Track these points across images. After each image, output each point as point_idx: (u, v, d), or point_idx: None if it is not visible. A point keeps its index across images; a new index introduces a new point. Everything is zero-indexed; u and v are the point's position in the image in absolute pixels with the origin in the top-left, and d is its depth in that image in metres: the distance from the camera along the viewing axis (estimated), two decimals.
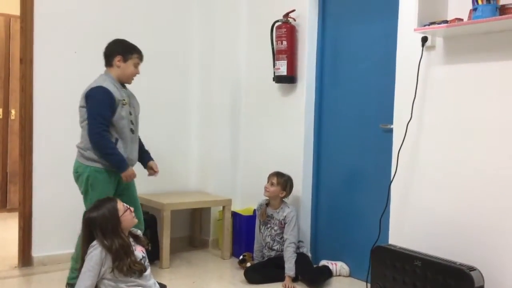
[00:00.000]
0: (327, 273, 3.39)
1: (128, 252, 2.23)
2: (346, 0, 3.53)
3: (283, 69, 3.68)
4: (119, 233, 2.25)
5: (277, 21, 3.73)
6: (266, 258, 3.48)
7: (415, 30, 2.70)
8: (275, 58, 3.76)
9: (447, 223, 2.74)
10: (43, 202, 3.52)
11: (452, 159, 2.73)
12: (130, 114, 2.96)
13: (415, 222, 2.90)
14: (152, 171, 3.22)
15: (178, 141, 4.19)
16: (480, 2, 2.42)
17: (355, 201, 3.44)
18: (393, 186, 2.98)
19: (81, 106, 2.87)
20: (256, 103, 4.13)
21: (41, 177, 3.51)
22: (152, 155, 3.29)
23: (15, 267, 3.49)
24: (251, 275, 3.31)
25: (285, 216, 3.38)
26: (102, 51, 2.99)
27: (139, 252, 2.33)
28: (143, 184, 3.40)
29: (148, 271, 2.33)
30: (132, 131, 2.96)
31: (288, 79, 3.71)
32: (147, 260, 2.37)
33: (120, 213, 2.30)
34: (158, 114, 4.03)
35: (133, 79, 3.02)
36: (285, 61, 3.66)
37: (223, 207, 3.87)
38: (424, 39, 2.81)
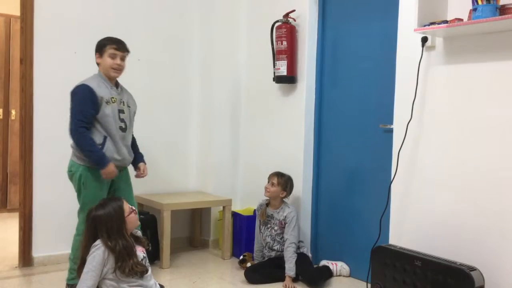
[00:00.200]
0: (328, 273, 3.39)
1: (131, 253, 2.23)
2: (346, 0, 3.53)
3: (283, 69, 3.68)
4: (123, 234, 2.25)
5: (277, 21, 3.73)
6: (266, 258, 3.48)
7: (415, 30, 2.70)
8: (275, 58, 3.76)
9: (447, 223, 2.74)
10: (43, 203, 3.52)
11: (452, 159, 2.73)
12: (122, 112, 2.95)
13: (415, 222, 2.91)
14: (139, 172, 3.16)
15: (178, 141, 4.19)
16: (480, 2, 2.42)
17: (355, 201, 3.44)
18: (393, 186, 2.98)
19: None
20: (256, 103, 4.13)
21: (41, 178, 3.51)
22: (152, 155, 3.30)
23: (16, 267, 3.49)
24: (251, 275, 3.32)
25: (286, 216, 3.38)
26: None
27: (140, 252, 2.33)
28: (143, 184, 3.40)
29: (149, 272, 2.33)
30: (122, 129, 2.94)
31: (288, 79, 3.72)
32: (147, 261, 2.37)
33: (126, 214, 2.30)
34: (158, 114, 4.03)
35: (115, 70, 2.92)
36: (285, 61, 3.66)
37: (223, 207, 3.87)
38: (424, 39, 2.81)
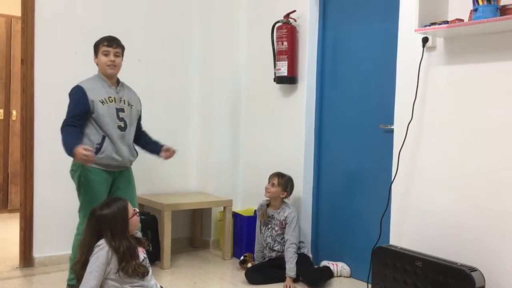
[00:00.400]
0: (328, 274, 3.39)
1: (133, 254, 2.23)
2: (346, 0, 3.53)
3: (283, 70, 3.68)
4: (126, 235, 2.25)
5: (278, 21, 3.73)
6: (267, 259, 3.48)
7: (415, 30, 2.70)
8: (275, 59, 3.76)
9: (448, 224, 2.74)
10: (44, 203, 3.52)
11: (453, 159, 2.73)
12: (122, 111, 2.95)
13: (416, 223, 2.90)
14: (166, 153, 3.15)
15: (178, 141, 4.17)
16: (480, 3, 2.42)
17: (356, 202, 3.44)
18: (393, 186, 2.98)
19: None
20: (256, 103, 4.13)
21: (42, 178, 3.52)
22: (152, 155, 3.29)
23: (16, 267, 3.49)
24: (252, 275, 3.32)
25: (286, 217, 3.38)
26: None
27: (141, 253, 2.34)
28: (144, 184, 3.41)
29: (150, 272, 2.33)
30: (120, 128, 2.94)
31: (289, 80, 3.72)
32: (148, 261, 2.37)
33: (129, 215, 2.30)
34: (159, 114, 4.03)
35: (110, 67, 2.91)
36: (286, 62, 3.66)
37: (224, 208, 3.87)
38: (425, 40, 2.81)
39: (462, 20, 2.56)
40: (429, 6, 2.69)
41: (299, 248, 3.40)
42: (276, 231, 3.42)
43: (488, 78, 2.59)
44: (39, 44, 3.49)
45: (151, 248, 2.51)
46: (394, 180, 2.96)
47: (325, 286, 3.28)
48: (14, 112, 5.24)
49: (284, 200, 3.47)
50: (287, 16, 3.70)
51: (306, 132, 3.69)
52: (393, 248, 2.74)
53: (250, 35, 4.21)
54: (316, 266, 3.49)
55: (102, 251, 2.18)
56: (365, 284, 3.08)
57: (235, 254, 3.89)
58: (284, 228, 3.38)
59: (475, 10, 2.44)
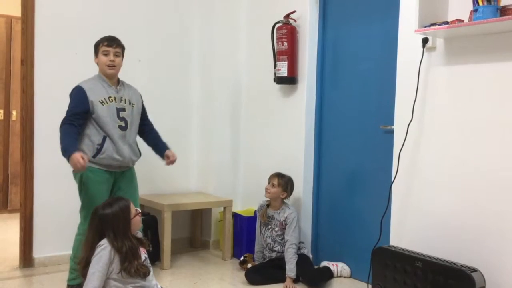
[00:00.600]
0: (328, 274, 3.38)
1: (136, 255, 2.23)
2: (346, 1, 3.53)
3: (283, 70, 3.68)
4: (128, 235, 2.24)
5: (278, 22, 3.73)
6: (267, 259, 3.48)
7: (415, 31, 2.70)
8: (275, 59, 3.76)
9: (448, 224, 2.74)
10: (44, 203, 3.52)
11: (453, 160, 2.73)
12: (123, 110, 2.94)
13: (416, 223, 2.90)
14: (167, 160, 3.19)
15: (179, 141, 4.18)
16: (480, 3, 2.42)
17: (356, 202, 3.43)
18: (394, 187, 2.98)
19: None
20: (257, 104, 4.13)
21: (42, 178, 3.51)
22: (152, 155, 3.29)
23: (16, 268, 3.49)
24: (252, 276, 3.31)
25: (286, 217, 3.38)
26: None
27: (142, 253, 2.34)
28: (144, 185, 3.40)
29: (151, 272, 2.33)
30: (121, 128, 2.94)
31: (289, 80, 3.72)
32: (149, 261, 2.37)
33: (132, 215, 2.29)
34: (159, 114, 4.01)
35: (110, 67, 2.91)
36: (286, 62, 3.66)
37: (224, 208, 3.87)
38: (425, 40, 2.81)
39: (462, 21, 2.56)
40: (429, 6, 2.69)
41: (299, 248, 3.39)
42: (276, 231, 3.42)
43: (488, 78, 2.59)
44: (39, 44, 3.49)
45: (151, 249, 2.51)
46: (394, 181, 2.96)
47: (325, 286, 3.28)
48: (14, 113, 5.24)
49: (284, 200, 3.47)
50: (287, 16, 3.70)
51: (306, 133, 3.69)
52: (393, 249, 2.74)
53: (250, 36, 4.21)
54: (316, 267, 3.49)
55: (104, 251, 2.18)
56: (365, 284, 3.08)
57: (235, 254, 3.89)
58: (284, 228, 3.38)
59: (475, 10, 2.44)
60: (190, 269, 3.59)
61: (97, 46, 2.96)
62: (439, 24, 2.61)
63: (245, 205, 4.17)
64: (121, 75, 3.06)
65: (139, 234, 2.47)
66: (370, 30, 3.34)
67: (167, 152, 3.20)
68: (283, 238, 3.38)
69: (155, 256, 3.59)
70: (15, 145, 5.08)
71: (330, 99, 3.65)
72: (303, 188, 3.67)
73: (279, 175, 3.46)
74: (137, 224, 2.35)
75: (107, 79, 2.94)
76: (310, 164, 3.71)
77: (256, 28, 4.12)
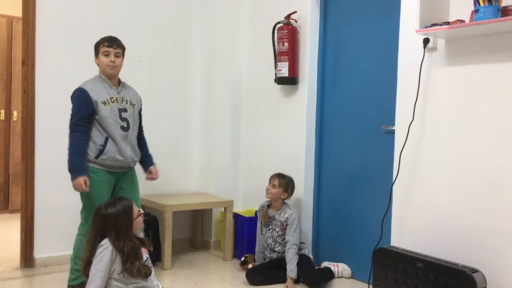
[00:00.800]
0: (329, 275, 3.38)
1: (137, 255, 2.22)
2: (347, 1, 3.53)
3: (284, 71, 3.68)
4: (130, 236, 2.24)
5: (279, 22, 3.73)
6: (267, 260, 3.48)
7: (416, 31, 2.70)
8: (276, 60, 3.76)
9: (449, 225, 2.74)
10: (45, 204, 3.52)
11: (454, 160, 2.73)
12: (125, 111, 2.94)
13: (417, 224, 2.90)
14: (150, 175, 3.20)
15: (179, 142, 4.19)
16: (482, 4, 2.42)
17: (357, 203, 3.43)
18: (395, 187, 2.98)
19: None
20: (257, 104, 4.13)
21: (43, 179, 3.52)
22: (154, 156, 3.29)
23: (17, 268, 3.49)
24: (252, 276, 3.31)
25: (287, 218, 3.38)
26: None
27: (143, 253, 2.33)
28: (145, 185, 3.40)
29: (153, 273, 2.33)
30: (123, 128, 2.94)
31: (290, 81, 3.72)
32: (150, 261, 2.37)
33: (134, 216, 2.29)
34: (160, 115, 4.03)
35: (111, 68, 2.90)
36: (287, 63, 3.66)
37: (225, 209, 3.87)
38: (426, 41, 2.81)
39: (463, 21, 2.56)
40: (430, 7, 2.69)
41: (300, 249, 3.39)
42: (277, 232, 3.42)
43: (489, 79, 2.59)
44: (40, 45, 3.49)
45: (152, 249, 2.51)
46: (396, 181, 2.96)
47: (326, 287, 3.28)
48: (15, 113, 5.24)
49: (285, 201, 3.47)
50: (288, 17, 3.70)
51: (307, 133, 3.69)
52: (394, 249, 2.74)
53: (251, 36, 4.21)
54: (317, 267, 3.49)
55: (106, 250, 2.17)
56: (366, 285, 3.08)
57: (236, 255, 3.89)
58: (285, 229, 3.38)
59: (476, 11, 2.44)
60: (190, 270, 3.59)
61: (97, 46, 2.96)
62: (440, 25, 2.61)
63: (246, 206, 4.17)
64: (122, 76, 3.06)
65: (141, 234, 2.47)
66: (371, 30, 3.34)
67: (151, 168, 3.20)
68: (284, 239, 3.38)
69: (156, 257, 3.59)
70: (16, 145, 5.09)
71: (331, 99, 3.65)
72: (304, 189, 3.67)
73: (280, 176, 3.45)
74: (139, 224, 2.35)
75: (108, 80, 2.94)
76: (311, 165, 3.71)
77: (257, 29, 4.12)
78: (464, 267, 2.43)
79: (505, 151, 2.52)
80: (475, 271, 2.40)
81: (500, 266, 2.52)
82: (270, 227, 3.45)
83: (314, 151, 3.71)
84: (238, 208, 4.12)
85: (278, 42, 3.71)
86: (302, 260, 3.31)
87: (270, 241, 3.44)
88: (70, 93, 2.92)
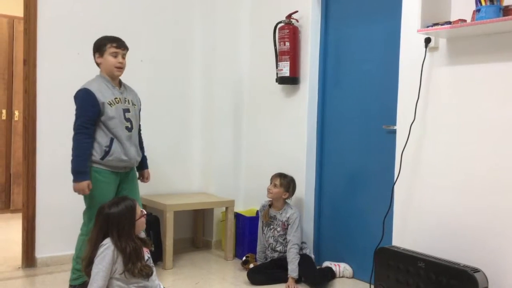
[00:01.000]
0: (330, 275, 3.38)
1: (139, 256, 2.22)
2: (349, 1, 3.53)
3: (285, 70, 3.68)
4: (132, 236, 2.24)
5: (280, 22, 3.73)
6: (269, 260, 3.48)
7: (418, 31, 2.69)
8: (277, 59, 3.76)
9: (451, 225, 2.74)
10: (46, 203, 3.52)
11: (456, 160, 2.72)
12: (128, 111, 2.94)
13: (418, 224, 2.90)
14: (142, 179, 3.22)
15: (180, 142, 4.19)
16: (483, 3, 2.41)
17: (358, 202, 3.43)
18: (396, 187, 2.98)
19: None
20: (258, 104, 4.13)
21: (44, 178, 3.52)
22: (155, 156, 3.30)
23: (19, 268, 3.50)
24: (254, 276, 3.31)
25: (288, 218, 3.37)
26: None
27: (145, 253, 2.34)
28: (146, 185, 3.40)
29: (154, 272, 2.33)
30: (128, 129, 2.93)
31: (291, 80, 3.72)
32: (151, 261, 2.37)
33: (137, 217, 2.29)
34: (161, 115, 4.04)
35: (118, 69, 2.91)
36: (288, 62, 3.66)
37: (226, 208, 3.87)
38: (427, 40, 2.80)
39: (465, 21, 2.56)
40: (431, 6, 2.69)
41: (301, 248, 3.39)
42: (278, 231, 3.42)
43: (491, 78, 2.58)
44: (42, 44, 3.50)
45: (153, 249, 2.51)
46: (397, 181, 2.96)
47: (327, 287, 3.28)
48: (16, 113, 5.25)
49: (286, 200, 3.47)
50: (289, 16, 3.70)
51: (308, 133, 3.69)
52: (395, 249, 2.74)
53: (252, 36, 4.21)
54: (318, 267, 3.49)
55: (107, 250, 2.17)
56: (368, 285, 3.08)
57: (237, 254, 3.89)
58: (286, 228, 3.38)
59: (478, 10, 2.44)
60: (192, 269, 3.59)
61: (103, 45, 2.91)
62: (442, 24, 2.60)
63: (247, 205, 4.17)
64: (123, 76, 3.06)
65: (142, 234, 2.47)
66: (372, 30, 3.34)
67: (145, 171, 3.22)
68: (285, 238, 3.38)
69: (157, 256, 3.58)
70: (18, 145, 5.09)
71: (332, 99, 3.64)
72: (305, 188, 3.67)
73: (281, 175, 3.45)
74: (141, 225, 2.34)
75: (111, 80, 2.93)
76: (312, 164, 3.71)
77: (258, 28, 4.12)
78: (465, 266, 2.43)
79: (506, 151, 2.52)
80: (476, 270, 2.40)
81: (501, 265, 2.52)
82: (272, 226, 3.45)
83: (315, 150, 3.71)
84: (240, 208, 4.12)
85: (279, 42, 3.71)
86: (304, 260, 3.31)
87: (271, 240, 3.44)
88: (72, 93, 2.91)
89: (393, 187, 2.98)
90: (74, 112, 2.86)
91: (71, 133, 2.84)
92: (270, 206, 3.50)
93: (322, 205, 3.71)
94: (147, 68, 3.95)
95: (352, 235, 3.47)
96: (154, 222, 3.74)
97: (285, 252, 3.36)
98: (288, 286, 3.21)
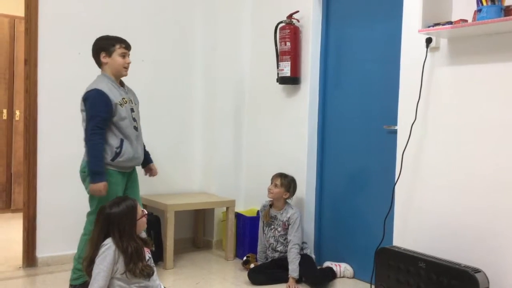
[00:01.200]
0: (331, 275, 3.38)
1: (140, 256, 2.22)
2: (350, 1, 3.52)
3: (286, 70, 3.68)
4: (133, 236, 2.24)
5: (281, 22, 3.73)
6: (269, 260, 3.48)
7: (419, 31, 2.69)
8: (278, 59, 3.76)
9: (452, 225, 2.74)
10: (47, 203, 3.52)
11: (457, 160, 2.72)
12: (133, 111, 2.95)
13: (419, 224, 2.90)
14: (150, 171, 3.22)
15: (181, 142, 4.19)
16: (484, 3, 2.41)
17: (359, 202, 3.43)
18: (397, 187, 2.97)
19: (81, 110, 2.86)
20: (259, 104, 4.13)
21: (45, 178, 3.52)
22: (156, 156, 3.30)
23: (20, 267, 3.50)
24: (254, 276, 3.31)
25: (289, 218, 3.37)
26: None
27: (146, 253, 2.34)
28: (147, 185, 3.41)
29: (155, 272, 2.33)
30: (135, 128, 2.95)
31: (292, 80, 3.72)
32: (152, 261, 2.37)
33: (138, 216, 2.29)
34: (162, 115, 4.04)
35: (126, 69, 2.94)
36: (289, 62, 3.66)
37: (227, 208, 3.87)
38: (429, 40, 2.80)
39: (466, 21, 2.55)
40: (432, 6, 2.69)
41: (302, 249, 3.39)
42: (279, 231, 3.42)
43: (492, 79, 2.58)
44: (43, 44, 3.50)
45: (154, 249, 2.51)
46: (398, 181, 2.96)
47: (328, 287, 3.28)
48: (17, 112, 5.25)
49: (287, 200, 3.47)
50: (290, 16, 3.70)
51: (309, 133, 3.69)
52: (396, 249, 2.74)
53: (253, 36, 4.21)
54: (319, 267, 3.49)
55: (109, 250, 2.17)
56: (368, 285, 3.08)
57: (238, 254, 3.89)
58: (287, 228, 3.38)
59: (479, 10, 2.44)
60: (192, 269, 3.59)
61: (111, 45, 2.89)
62: (443, 24, 2.60)
63: (247, 205, 4.17)
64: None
65: (143, 234, 2.47)
66: (373, 30, 3.34)
67: (151, 165, 3.23)
68: (286, 239, 3.38)
69: (158, 256, 3.59)
70: (18, 144, 5.09)
71: (333, 99, 3.64)
72: (306, 188, 3.67)
73: (281, 175, 3.45)
74: (142, 225, 2.34)
75: (115, 80, 2.93)
76: (313, 164, 3.70)
77: (259, 28, 4.12)
78: (466, 267, 2.43)
79: (507, 151, 2.52)
80: (477, 271, 2.40)
81: (502, 266, 2.52)
82: (272, 226, 3.45)
83: (316, 150, 3.71)
84: (240, 208, 4.12)
85: (280, 42, 3.71)
86: (304, 260, 3.31)
87: (272, 240, 3.44)
88: (73, 93, 2.93)
89: (394, 187, 2.98)
90: (73, 112, 2.86)
91: (72, 132, 2.84)
92: (270, 206, 3.50)
93: (323, 205, 3.71)
94: (147, 68, 3.95)
95: (352, 235, 3.47)
96: (155, 222, 3.74)
97: (285, 252, 3.36)
98: (289, 286, 3.21)
